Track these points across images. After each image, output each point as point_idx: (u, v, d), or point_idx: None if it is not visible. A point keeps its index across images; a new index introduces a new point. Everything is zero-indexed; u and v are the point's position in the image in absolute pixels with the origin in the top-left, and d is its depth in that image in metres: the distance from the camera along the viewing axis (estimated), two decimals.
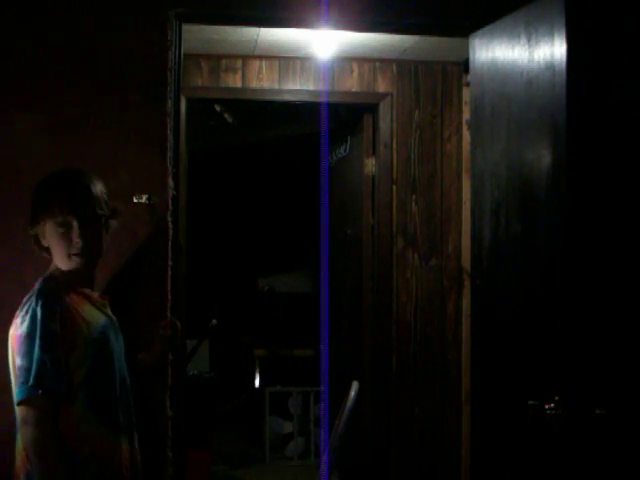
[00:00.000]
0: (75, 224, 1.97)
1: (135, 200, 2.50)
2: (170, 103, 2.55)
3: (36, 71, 2.51)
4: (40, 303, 1.89)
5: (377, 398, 3.95)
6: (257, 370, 5.58)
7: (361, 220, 4.17)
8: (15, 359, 1.89)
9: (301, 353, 5.45)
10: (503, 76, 2.54)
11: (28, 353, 1.85)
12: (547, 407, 2.16)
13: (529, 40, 2.38)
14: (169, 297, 2.53)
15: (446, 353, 3.95)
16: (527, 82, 2.39)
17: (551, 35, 2.25)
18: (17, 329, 1.90)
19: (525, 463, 2.37)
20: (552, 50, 2.25)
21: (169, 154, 2.54)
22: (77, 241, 1.98)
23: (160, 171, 2.53)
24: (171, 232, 2.55)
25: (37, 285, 1.97)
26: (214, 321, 4.65)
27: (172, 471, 2.55)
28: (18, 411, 1.87)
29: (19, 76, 2.51)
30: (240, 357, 6.09)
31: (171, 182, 2.54)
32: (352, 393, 3.04)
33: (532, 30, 2.36)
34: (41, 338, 1.85)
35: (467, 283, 3.85)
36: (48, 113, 2.51)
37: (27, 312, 1.89)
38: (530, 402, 2.23)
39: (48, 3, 2.53)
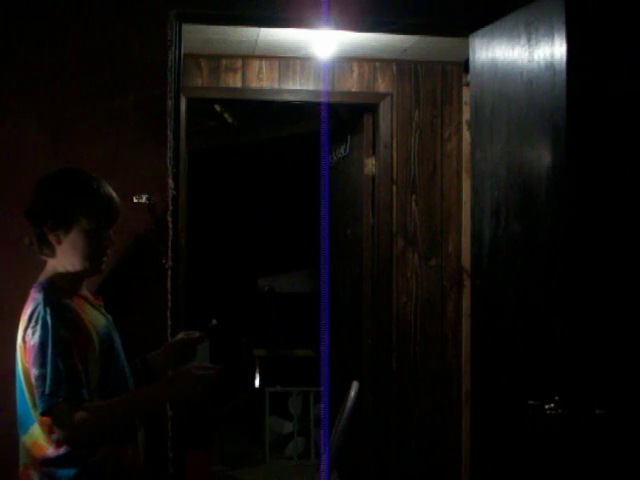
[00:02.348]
0: (108, 228, 1.99)
1: (135, 200, 2.50)
2: (170, 103, 2.55)
3: (36, 72, 2.52)
4: (49, 311, 1.85)
5: (377, 398, 3.95)
6: (257, 370, 5.57)
7: (361, 220, 4.17)
8: (31, 371, 1.86)
9: (301, 353, 5.44)
10: (503, 76, 2.54)
11: (43, 363, 1.82)
12: (547, 407, 2.16)
13: (529, 40, 2.38)
14: (169, 297, 2.54)
15: (446, 353, 3.95)
16: (527, 82, 2.39)
17: (551, 35, 2.25)
18: (29, 341, 1.86)
19: (525, 463, 2.37)
20: (552, 50, 2.25)
21: (169, 154, 2.55)
22: (109, 244, 2.00)
23: (160, 171, 2.53)
24: (171, 232, 2.55)
25: (38, 294, 1.91)
26: (214, 321, 4.65)
27: (172, 471, 2.55)
28: (44, 421, 1.85)
29: (20, 77, 2.51)
30: (240, 357, 6.09)
31: (171, 182, 2.54)
32: (352, 393, 3.04)
33: (532, 30, 2.36)
34: (54, 346, 1.82)
35: (467, 283, 3.85)
36: (48, 113, 2.51)
37: (37, 322, 1.85)
38: (530, 402, 2.23)
39: (47, 4, 2.53)
